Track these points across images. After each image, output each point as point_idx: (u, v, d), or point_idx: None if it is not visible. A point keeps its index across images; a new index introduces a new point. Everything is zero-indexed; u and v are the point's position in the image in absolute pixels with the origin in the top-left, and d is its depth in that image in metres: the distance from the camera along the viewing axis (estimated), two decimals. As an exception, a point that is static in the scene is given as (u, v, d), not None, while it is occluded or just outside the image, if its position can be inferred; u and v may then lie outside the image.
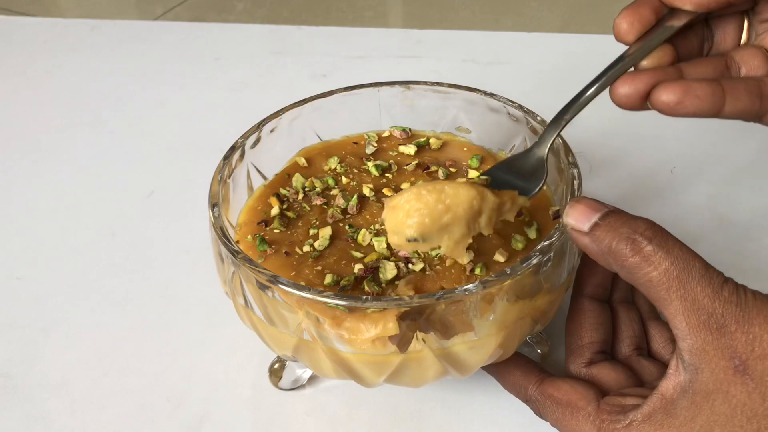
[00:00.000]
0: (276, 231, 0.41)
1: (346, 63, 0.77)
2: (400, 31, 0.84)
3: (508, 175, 0.40)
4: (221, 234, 0.38)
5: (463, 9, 0.89)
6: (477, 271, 0.38)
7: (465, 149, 0.47)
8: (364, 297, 0.34)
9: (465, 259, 0.37)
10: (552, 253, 0.36)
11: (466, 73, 0.73)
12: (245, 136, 0.44)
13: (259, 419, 0.43)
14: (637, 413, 0.33)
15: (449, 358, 0.37)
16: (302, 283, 0.37)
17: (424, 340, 0.35)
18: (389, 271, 0.38)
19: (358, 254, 0.39)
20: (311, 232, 0.41)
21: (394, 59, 0.77)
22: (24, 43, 0.84)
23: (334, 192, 0.44)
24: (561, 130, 0.39)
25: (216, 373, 0.46)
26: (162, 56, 0.80)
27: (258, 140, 0.45)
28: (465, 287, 0.34)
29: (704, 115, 0.36)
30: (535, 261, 0.35)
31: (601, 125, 0.64)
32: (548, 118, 0.40)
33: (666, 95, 0.35)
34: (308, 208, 0.43)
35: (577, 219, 0.34)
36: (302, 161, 0.46)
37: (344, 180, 0.45)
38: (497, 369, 0.41)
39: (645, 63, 0.37)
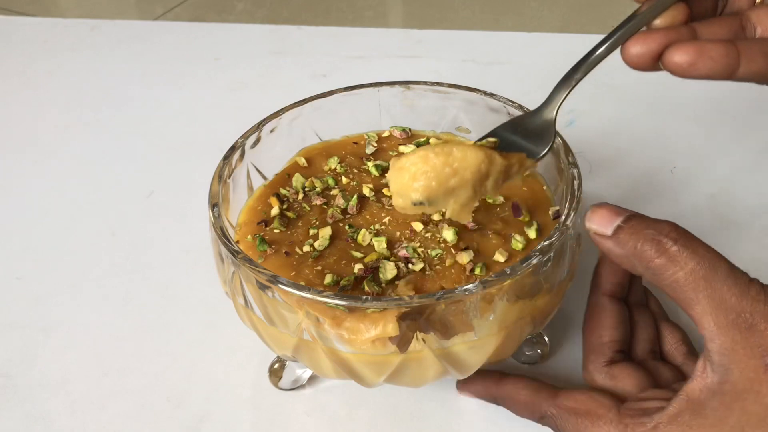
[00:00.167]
0: (276, 231, 0.41)
1: (346, 63, 0.77)
2: (400, 31, 0.84)
3: (514, 136, 0.39)
4: (221, 234, 0.38)
5: (463, 9, 0.89)
6: (477, 271, 0.38)
7: (465, 149, 0.47)
8: (364, 297, 0.34)
9: (469, 218, 0.36)
10: (552, 253, 0.36)
11: (466, 73, 0.73)
12: (245, 136, 0.44)
13: (259, 419, 0.43)
14: (662, 415, 0.33)
15: (449, 358, 0.37)
16: (302, 283, 0.37)
17: (424, 340, 0.35)
18: (389, 271, 0.38)
19: (358, 254, 0.39)
20: (311, 232, 0.41)
21: (394, 59, 0.77)
22: (24, 43, 0.84)
23: (334, 192, 0.44)
24: (571, 91, 0.38)
25: (216, 373, 0.46)
26: (162, 56, 0.80)
27: (258, 140, 0.45)
28: (465, 287, 0.34)
29: (718, 77, 0.35)
30: (535, 261, 0.35)
31: (601, 125, 0.64)
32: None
33: (679, 56, 0.34)
34: (308, 208, 0.43)
35: (600, 223, 0.34)
36: (302, 161, 0.46)
37: (344, 180, 0.45)
38: (503, 397, 0.40)
39: (658, 22, 0.36)
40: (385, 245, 0.40)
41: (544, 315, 0.39)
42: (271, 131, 0.46)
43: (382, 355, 0.36)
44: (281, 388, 0.44)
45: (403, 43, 0.80)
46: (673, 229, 0.33)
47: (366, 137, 0.48)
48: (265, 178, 0.46)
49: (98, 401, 0.44)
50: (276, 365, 0.45)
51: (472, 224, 0.41)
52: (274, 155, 0.46)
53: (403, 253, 0.39)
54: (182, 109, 0.71)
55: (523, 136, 0.39)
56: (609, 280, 0.41)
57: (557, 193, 0.43)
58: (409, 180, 0.35)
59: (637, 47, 0.35)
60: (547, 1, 0.89)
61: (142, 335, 0.48)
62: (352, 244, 0.40)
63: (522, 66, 0.74)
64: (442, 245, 0.39)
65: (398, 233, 0.41)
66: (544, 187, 0.44)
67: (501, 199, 0.42)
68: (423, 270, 0.38)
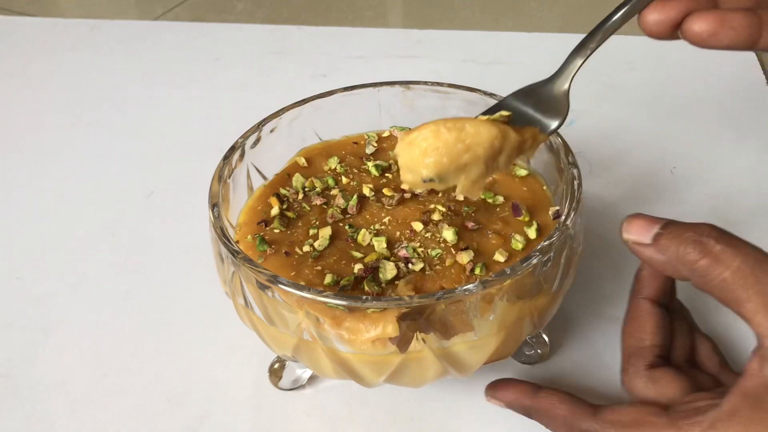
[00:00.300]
0: (276, 231, 0.41)
1: (346, 63, 0.77)
2: (400, 31, 0.84)
3: (525, 107, 0.37)
4: (221, 234, 0.38)
5: (463, 9, 0.89)
6: (477, 271, 0.38)
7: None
8: (364, 297, 0.34)
9: (480, 195, 0.36)
10: (552, 253, 0.36)
11: (466, 73, 0.73)
12: (245, 136, 0.44)
13: (259, 419, 0.43)
14: (719, 412, 0.31)
15: (449, 358, 0.37)
16: (302, 283, 0.37)
17: (424, 340, 0.35)
18: (389, 271, 0.38)
19: (358, 254, 0.39)
20: (311, 232, 0.41)
21: (394, 59, 0.77)
22: (24, 43, 0.84)
23: (334, 192, 0.44)
24: (586, 60, 0.36)
25: (216, 373, 0.46)
26: (162, 56, 0.80)
27: (258, 140, 0.45)
28: (465, 287, 0.34)
29: (739, 47, 0.34)
30: (535, 261, 0.35)
31: (601, 125, 0.64)
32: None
33: (699, 25, 0.33)
34: (308, 208, 0.43)
35: (638, 233, 0.34)
36: (302, 161, 0.46)
37: (344, 180, 0.45)
38: (538, 410, 0.38)
39: None
40: (385, 245, 0.40)
41: (544, 315, 0.39)
42: (271, 131, 0.46)
43: (382, 355, 0.36)
44: (281, 388, 0.44)
45: (403, 43, 0.80)
46: (713, 229, 0.32)
47: (366, 137, 0.48)
48: (265, 178, 0.46)
49: (98, 401, 0.44)
50: (276, 365, 0.45)
51: (472, 224, 0.41)
52: (274, 155, 0.46)
53: (403, 253, 0.39)
54: (182, 109, 0.71)
55: (534, 106, 0.37)
56: (652, 285, 0.39)
57: (557, 193, 0.43)
58: (420, 155, 0.33)
59: (656, 14, 0.34)
60: (547, 1, 0.89)
61: (142, 335, 0.48)
62: (352, 244, 0.40)
63: (522, 66, 0.74)
64: (442, 245, 0.39)
65: (398, 233, 0.41)
66: (544, 187, 0.44)
67: (501, 199, 0.42)
68: (423, 270, 0.38)
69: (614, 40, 0.38)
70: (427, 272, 0.38)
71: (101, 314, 0.50)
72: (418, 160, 0.34)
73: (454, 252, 0.39)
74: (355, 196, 0.43)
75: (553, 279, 0.38)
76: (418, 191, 0.38)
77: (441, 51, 0.78)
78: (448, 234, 0.39)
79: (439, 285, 0.37)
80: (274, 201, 0.43)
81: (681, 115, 0.65)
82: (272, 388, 0.45)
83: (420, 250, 0.39)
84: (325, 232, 0.40)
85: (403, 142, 0.34)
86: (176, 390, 0.45)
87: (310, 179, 0.45)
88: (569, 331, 0.47)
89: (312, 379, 0.45)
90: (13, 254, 0.56)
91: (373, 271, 0.38)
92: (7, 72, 0.79)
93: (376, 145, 0.48)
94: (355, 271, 0.38)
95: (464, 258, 0.38)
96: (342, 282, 0.37)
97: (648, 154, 0.61)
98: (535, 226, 0.40)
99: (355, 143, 0.48)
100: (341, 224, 0.42)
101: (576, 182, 0.40)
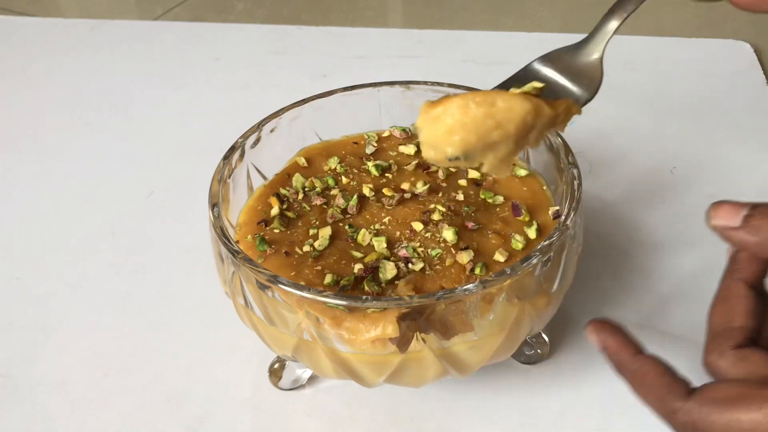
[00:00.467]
0: (276, 231, 0.41)
1: (346, 63, 0.77)
2: (400, 31, 0.84)
3: (553, 74, 0.35)
4: (221, 234, 0.38)
5: (463, 9, 0.89)
6: (477, 271, 0.38)
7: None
8: (364, 297, 0.34)
9: (508, 173, 0.34)
10: (552, 253, 0.36)
11: (466, 73, 0.73)
12: (245, 136, 0.44)
13: (259, 419, 0.43)
14: None
15: (449, 358, 0.37)
16: (302, 283, 0.37)
17: (424, 340, 0.35)
18: (389, 271, 0.38)
19: (358, 254, 0.39)
20: (311, 232, 0.41)
21: (394, 59, 0.77)
22: (24, 43, 0.84)
23: (334, 192, 0.44)
24: (622, 23, 0.33)
25: (216, 373, 0.46)
26: (162, 56, 0.80)
27: (258, 140, 0.45)
28: (465, 287, 0.34)
29: None
30: (535, 261, 0.35)
31: (601, 125, 0.64)
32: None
33: None
34: (308, 208, 0.43)
35: (726, 217, 0.32)
36: (302, 161, 0.46)
37: (344, 180, 0.45)
38: (634, 371, 0.34)
39: None
40: (385, 245, 0.40)
41: (544, 315, 0.39)
42: (271, 131, 0.46)
43: (382, 355, 0.36)
44: (281, 388, 0.44)
45: (403, 43, 0.80)
46: None
47: (366, 137, 0.48)
48: (265, 178, 0.46)
49: (98, 401, 0.44)
50: (276, 365, 0.45)
51: (472, 224, 0.41)
52: (274, 155, 0.46)
53: (403, 252, 0.39)
54: (182, 109, 0.71)
55: (563, 73, 0.34)
56: (749, 268, 0.37)
57: (557, 193, 0.43)
58: (445, 133, 0.31)
59: None
60: (547, 1, 0.89)
61: (142, 335, 0.48)
62: (352, 244, 0.40)
63: (522, 66, 0.74)
64: (442, 245, 0.39)
65: (398, 233, 0.41)
66: (544, 187, 0.44)
67: (501, 199, 0.42)
68: (423, 270, 0.38)
69: (614, 40, 0.38)
70: (427, 272, 0.38)
71: (101, 314, 0.50)
72: (443, 138, 0.31)
73: (454, 252, 0.39)
74: (355, 196, 0.43)
75: (553, 279, 0.38)
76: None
77: (441, 51, 0.78)
78: (448, 234, 0.39)
79: (439, 285, 0.37)
80: (274, 201, 0.43)
81: (681, 115, 0.65)
82: (272, 388, 0.44)
83: (420, 250, 0.39)
84: (325, 232, 0.40)
85: (427, 116, 0.32)
86: (176, 390, 0.45)
87: (310, 179, 0.45)
88: (569, 331, 0.47)
89: (312, 379, 0.45)
90: (13, 254, 0.56)
91: (373, 271, 0.38)
92: (7, 72, 0.79)
93: (376, 145, 0.48)
94: (355, 271, 0.38)
95: (464, 258, 0.38)
96: (342, 282, 0.37)
97: (648, 154, 0.61)
98: (535, 226, 0.40)
99: (355, 143, 0.48)
100: (341, 224, 0.42)
101: (576, 182, 0.40)
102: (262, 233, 0.41)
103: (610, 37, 0.33)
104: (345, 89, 0.48)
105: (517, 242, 0.39)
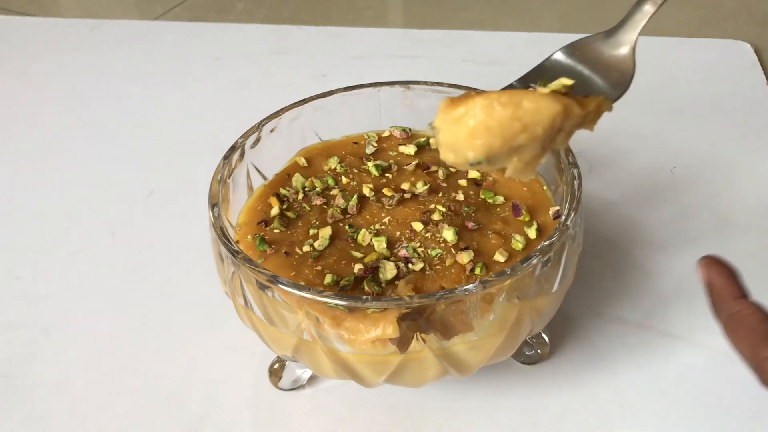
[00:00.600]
0: (276, 231, 0.41)
1: (346, 63, 0.77)
2: (400, 31, 0.84)
3: (579, 65, 0.32)
4: (221, 234, 0.38)
5: (463, 9, 0.89)
6: (477, 271, 0.38)
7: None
8: (364, 297, 0.34)
9: (533, 177, 0.31)
10: (552, 253, 0.36)
11: (466, 73, 0.73)
12: (245, 136, 0.44)
13: (259, 419, 0.43)
14: None
15: (449, 358, 0.37)
16: (302, 283, 0.37)
17: (424, 341, 0.35)
18: (389, 271, 0.38)
19: (358, 254, 0.39)
20: (311, 232, 0.41)
21: (394, 59, 0.77)
22: (24, 43, 0.84)
23: (334, 192, 0.44)
24: (658, 9, 0.30)
25: (216, 373, 0.46)
26: (162, 56, 0.80)
27: (258, 140, 0.45)
28: (465, 287, 0.34)
29: None
30: (535, 261, 0.35)
31: (601, 125, 0.64)
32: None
33: None
34: (308, 208, 0.43)
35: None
36: (302, 161, 0.46)
37: (344, 180, 0.45)
38: (732, 313, 0.31)
39: None
40: (385, 245, 0.40)
41: (544, 315, 0.39)
42: (271, 131, 0.46)
43: (382, 355, 0.36)
44: (281, 388, 0.44)
45: (403, 43, 0.80)
46: None
47: (366, 137, 0.48)
48: (265, 178, 0.46)
49: (98, 401, 0.44)
50: (276, 365, 0.45)
51: (472, 224, 0.41)
52: (274, 155, 0.46)
53: (403, 253, 0.39)
54: (182, 109, 0.71)
55: (590, 65, 0.32)
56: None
57: (557, 193, 0.43)
58: (467, 136, 0.29)
59: None
60: (547, 1, 0.89)
61: (142, 335, 0.48)
62: (352, 244, 0.40)
63: (522, 66, 0.73)
64: (442, 245, 0.39)
65: (398, 233, 0.41)
66: (544, 187, 0.44)
67: (501, 199, 0.42)
68: (423, 270, 0.38)
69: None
70: (427, 272, 0.38)
71: (101, 314, 0.50)
72: (464, 141, 0.29)
73: (454, 252, 0.39)
74: (355, 196, 0.43)
75: (553, 279, 0.38)
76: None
77: (441, 51, 0.78)
78: (448, 234, 0.39)
79: (439, 285, 0.37)
80: (274, 201, 0.43)
81: (681, 115, 0.65)
82: (272, 388, 0.44)
83: (420, 250, 0.39)
84: (325, 232, 0.40)
85: (447, 116, 0.29)
86: (176, 390, 0.45)
87: (310, 179, 0.45)
88: (569, 331, 0.47)
89: (312, 379, 0.45)
90: (12, 254, 0.56)
91: (373, 271, 0.38)
92: (7, 72, 0.79)
93: (376, 145, 0.48)
94: (355, 271, 0.38)
95: (464, 258, 0.38)
96: (342, 282, 0.37)
97: (648, 154, 0.61)
98: (535, 226, 0.40)
99: (355, 143, 0.48)
100: (341, 224, 0.42)
101: (576, 182, 0.40)
102: (262, 233, 0.41)
103: (645, 24, 0.30)
104: (345, 89, 0.48)
105: (518, 242, 0.39)
